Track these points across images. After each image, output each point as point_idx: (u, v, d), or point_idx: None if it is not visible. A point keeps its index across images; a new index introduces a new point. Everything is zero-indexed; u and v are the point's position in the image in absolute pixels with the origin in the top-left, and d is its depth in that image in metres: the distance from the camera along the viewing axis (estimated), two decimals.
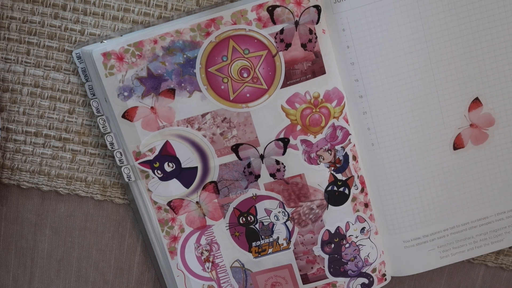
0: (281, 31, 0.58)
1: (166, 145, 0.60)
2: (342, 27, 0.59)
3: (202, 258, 0.64)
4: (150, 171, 0.61)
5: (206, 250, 0.64)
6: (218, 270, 0.64)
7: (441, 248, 0.66)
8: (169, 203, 0.62)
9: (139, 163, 0.60)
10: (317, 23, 0.58)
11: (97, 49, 0.57)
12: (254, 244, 0.64)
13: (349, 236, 0.64)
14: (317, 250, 0.64)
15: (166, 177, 0.61)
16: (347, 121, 0.61)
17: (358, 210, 0.63)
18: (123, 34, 0.60)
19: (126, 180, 0.61)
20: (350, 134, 0.62)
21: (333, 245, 0.64)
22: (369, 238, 0.64)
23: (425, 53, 0.60)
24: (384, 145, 0.62)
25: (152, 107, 0.59)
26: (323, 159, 0.62)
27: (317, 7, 0.58)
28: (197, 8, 0.60)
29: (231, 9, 0.57)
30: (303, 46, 0.58)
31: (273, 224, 0.63)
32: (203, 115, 0.59)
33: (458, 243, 0.66)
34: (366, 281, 0.65)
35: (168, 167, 0.61)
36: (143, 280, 0.67)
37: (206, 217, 0.63)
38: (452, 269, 0.70)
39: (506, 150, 0.64)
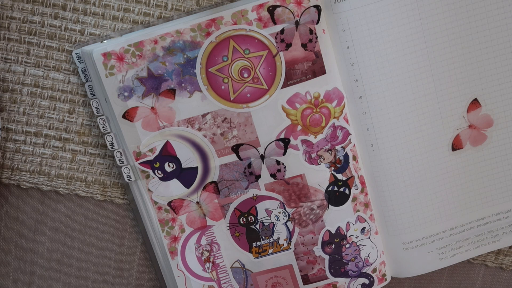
0: (282, 31, 0.58)
1: (167, 145, 0.60)
2: (342, 27, 0.59)
3: (203, 258, 0.64)
4: (150, 171, 0.60)
5: (206, 251, 0.64)
6: (218, 271, 0.64)
7: (440, 250, 0.66)
8: (169, 203, 0.62)
9: (140, 163, 0.60)
10: (317, 23, 0.58)
11: (97, 49, 0.56)
12: (254, 244, 0.64)
13: (349, 236, 0.64)
14: (317, 250, 0.64)
15: (166, 177, 0.61)
16: (347, 121, 0.61)
17: (358, 210, 0.64)
18: (123, 34, 0.60)
19: (126, 180, 0.61)
20: (350, 134, 0.62)
21: (333, 246, 0.64)
22: (369, 238, 0.64)
23: (424, 53, 0.60)
24: (383, 146, 0.62)
25: (152, 107, 0.59)
26: (324, 159, 0.62)
27: (317, 7, 0.58)
28: (197, 8, 0.60)
29: (232, 9, 0.57)
30: (304, 46, 0.58)
31: (274, 225, 0.63)
32: (204, 115, 0.59)
33: (457, 244, 0.66)
34: (366, 281, 0.65)
35: (169, 167, 0.61)
36: (143, 280, 0.67)
37: (206, 217, 0.63)
38: (452, 269, 0.70)
39: (505, 151, 0.64)
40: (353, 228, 0.64)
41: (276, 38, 0.58)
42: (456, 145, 0.63)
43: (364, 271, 0.65)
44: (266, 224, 0.63)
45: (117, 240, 0.66)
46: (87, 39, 0.60)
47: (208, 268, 0.64)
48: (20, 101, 0.61)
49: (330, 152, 0.62)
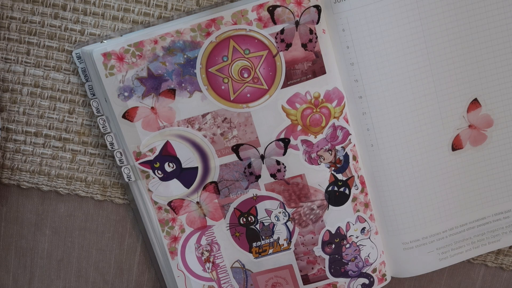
0: (282, 31, 0.58)
1: (167, 145, 0.60)
2: (342, 27, 0.59)
3: (203, 258, 0.64)
4: (150, 171, 0.60)
5: (206, 251, 0.64)
6: (218, 271, 0.64)
7: (440, 250, 0.66)
8: (169, 203, 0.62)
9: (140, 163, 0.60)
10: (317, 23, 0.58)
11: (97, 49, 0.56)
12: (254, 244, 0.64)
13: (349, 236, 0.64)
14: (317, 250, 0.64)
15: (166, 177, 0.61)
16: (347, 121, 0.61)
17: (358, 210, 0.64)
18: (123, 34, 0.60)
19: (126, 180, 0.61)
20: (350, 134, 0.62)
21: (333, 246, 0.64)
22: (369, 238, 0.64)
23: (424, 53, 0.60)
24: (383, 146, 0.62)
25: (152, 107, 0.59)
26: (324, 159, 0.62)
27: (317, 7, 0.58)
28: (197, 8, 0.60)
29: (232, 9, 0.57)
30: (304, 46, 0.58)
31: (274, 225, 0.63)
32: (204, 115, 0.59)
33: (457, 244, 0.66)
34: (366, 281, 0.65)
35: (169, 167, 0.61)
36: (143, 280, 0.67)
37: (206, 217, 0.63)
38: (452, 269, 0.70)
39: (505, 151, 0.64)
40: (353, 228, 0.64)
41: (276, 38, 0.58)
42: (456, 145, 0.63)
43: (364, 271, 0.65)
44: (266, 224, 0.63)
45: (117, 240, 0.66)
46: (87, 39, 0.60)
47: (208, 268, 0.64)
48: (20, 101, 0.61)
49: (330, 152, 0.62)
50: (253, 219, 0.63)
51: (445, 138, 0.63)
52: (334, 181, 0.62)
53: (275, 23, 0.57)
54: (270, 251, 0.64)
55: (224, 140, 0.60)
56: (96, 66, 0.57)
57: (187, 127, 0.59)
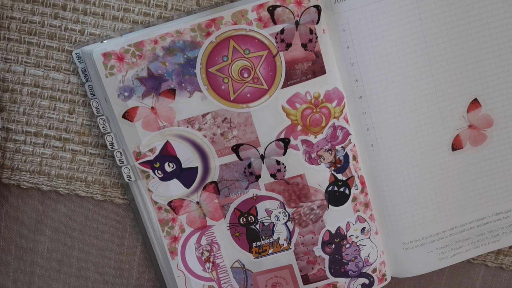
0: (282, 31, 0.58)
1: (167, 145, 0.60)
2: (342, 27, 0.59)
3: (203, 258, 0.64)
4: (150, 171, 0.60)
5: (206, 251, 0.64)
6: (218, 271, 0.64)
7: (440, 250, 0.66)
8: (169, 203, 0.62)
9: (140, 163, 0.60)
10: (317, 23, 0.58)
11: (97, 49, 0.56)
12: (254, 244, 0.64)
13: (349, 236, 0.64)
14: (317, 250, 0.64)
15: (166, 177, 0.61)
16: (347, 121, 0.61)
17: (358, 210, 0.64)
18: (123, 34, 0.60)
19: (126, 180, 0.61)
20: (350, 134, 0.62)
21: (333, 246, 0.64)
22: (369, 238, 0.64)
23: (425, 53, 0.60)
24: (383, 146, 0.62)
25: (152, 107, 0.59)
26: (324, 159, 0.62)
27: (317, 7, 0.58)
28: (197, 8, 0.60)
29: (232, 9, 0.57)
30: (304, 46, 0.58)
31: (274, 225, 0.63)
32: (204, 115, 0.59)
33: (457, 244, 0.66)
34: (366, 281, 0.65)
35: (169, 167, 0.61)
36: (143, 280, 0.67)
37: (206, 217, 0.63)
38: (452, 269, 0.70)
39: (505, 151, 0.64)
40: (353, 228, 0.64)
41: (276, 38, 0.58)
42: (456, 145, 0.63)
43: (364, 271, 0.65)
44: (266, 224, 0.63)
45: (117, 240, 0.66)
46: (87, 39, 0.60)
47: (208, 268, 0.64)
48: (20, 101, 0.61)
49: (330, 152, 0.62)
50: (253, 219, 0.63)
51: (445, 138, 0.63)
52: (334, 181, 0.62)
53: (275, 23, 0.57)
54: (270, 251, 0.64)
55: (224, 140, 0.60)
56: (96, 66, 0.57)
57: (187, 127, 0.59)
